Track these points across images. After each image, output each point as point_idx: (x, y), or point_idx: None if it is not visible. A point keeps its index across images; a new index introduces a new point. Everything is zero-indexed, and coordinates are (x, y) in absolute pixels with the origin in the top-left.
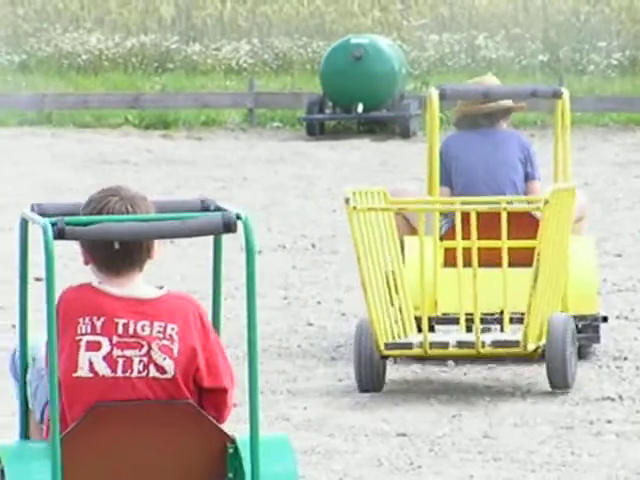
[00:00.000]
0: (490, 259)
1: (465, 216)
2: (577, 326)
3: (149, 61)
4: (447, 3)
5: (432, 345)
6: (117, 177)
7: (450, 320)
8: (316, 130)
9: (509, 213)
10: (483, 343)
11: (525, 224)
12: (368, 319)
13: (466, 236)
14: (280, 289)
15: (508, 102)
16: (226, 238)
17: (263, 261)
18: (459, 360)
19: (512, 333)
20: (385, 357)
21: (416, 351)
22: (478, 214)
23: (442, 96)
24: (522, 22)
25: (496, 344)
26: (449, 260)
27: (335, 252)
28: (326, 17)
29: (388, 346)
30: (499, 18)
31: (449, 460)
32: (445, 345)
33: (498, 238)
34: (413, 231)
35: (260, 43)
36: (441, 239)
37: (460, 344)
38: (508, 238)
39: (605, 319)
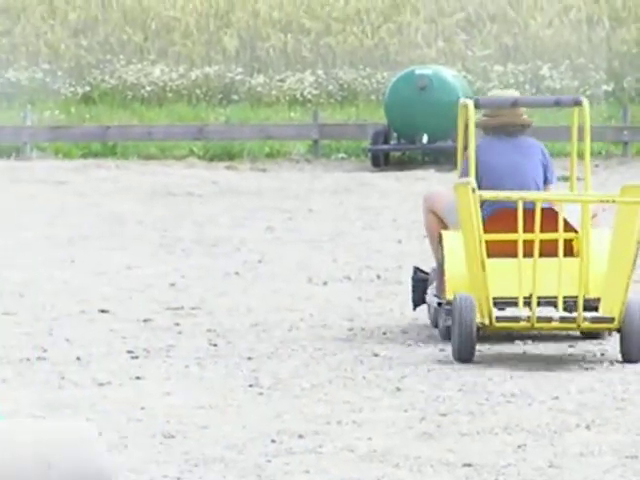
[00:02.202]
0: (525, 250)
1: (506, 211)
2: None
3: (213, 92)
4: (511, 34)
5: (538, 319)
6: (182, 209)
7: (499, 304)
8: (381, 161)
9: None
10: (584, 318)
11: (550, 219)
12: (476, 296)
13: (501, 229)
14: (345, 320)
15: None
16: (293, 270)
17: (328, 292)
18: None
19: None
20: (493, 329)
21: (523, 324)
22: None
23: (476, 105)
24: (586, 52)
25: (595, 320)
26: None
27: (400, 283)
28: (390, 48)
29: (499, 319)
30: (563, 48)
31: None
32: (549, 320)
33: (531, 231)
34: (445, 227)
35: (324, 74)
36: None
37: (563, 319)
38: (534, 231)
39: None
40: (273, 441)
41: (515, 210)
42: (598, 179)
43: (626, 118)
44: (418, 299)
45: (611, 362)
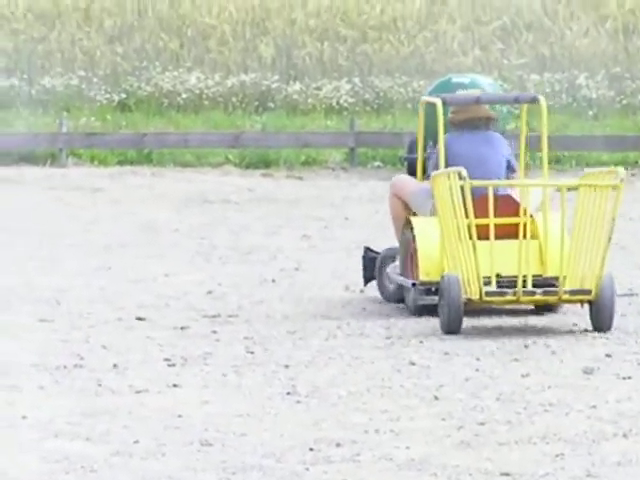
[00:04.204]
0: (485, 233)
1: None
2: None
3: (249, 100)
4: (548, 43)
5: (523, 293)
6: (218, 217)
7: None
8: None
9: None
10: (565, 292)
11: (509, 204)
12: (462, 275)
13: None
14: (383, 328)
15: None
16: (330, 278)
17: (366, 301)
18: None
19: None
20: (483, 303)
21: (509, 298)
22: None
23: (444, 103)
24: (622, 61)
25: (573, 293)
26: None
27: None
28: (426, 56)
29: (488, 294)
30: (599, 57)
31: None
32: (533, 293)
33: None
34: (409, 212)
35: (361, 82)
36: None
37: (545, 292)
38: (495, 216)
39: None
40: (311, 449)
41: (481, 197)
42: (635, 188)
43: None
44: (369, 276)
45: None
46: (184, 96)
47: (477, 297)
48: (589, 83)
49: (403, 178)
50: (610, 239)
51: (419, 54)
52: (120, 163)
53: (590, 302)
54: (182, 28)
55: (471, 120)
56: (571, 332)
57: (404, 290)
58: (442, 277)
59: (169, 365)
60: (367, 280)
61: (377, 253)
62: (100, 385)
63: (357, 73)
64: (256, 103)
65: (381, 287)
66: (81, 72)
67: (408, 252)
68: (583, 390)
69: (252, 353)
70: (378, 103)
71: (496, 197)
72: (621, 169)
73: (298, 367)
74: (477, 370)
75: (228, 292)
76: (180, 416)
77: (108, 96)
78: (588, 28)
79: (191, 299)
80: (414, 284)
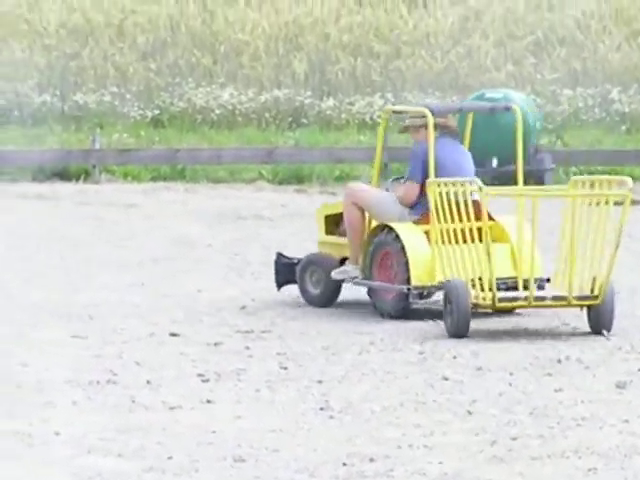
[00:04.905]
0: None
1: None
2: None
3: (283, 116)
4: (580, 57)
5: (535, 299)
6: (251, 232)
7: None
8: None
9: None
10: (574, 297)
11: (479, 210)
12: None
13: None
14: (416, 343)
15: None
16: (363, 293)
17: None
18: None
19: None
20: (496, 308)
21: (521, 303)
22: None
23: (432, 112)
24: None
25: (581, 298)
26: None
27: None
28: (460, 72)
29: (501, 300)
30: (632, 72)
31: None
32: (543, 299)
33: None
34: (364, 217)
35: (394, 98)
36: (416, 223)
37: (555, 298)
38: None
39: (548, 280)
40: (344, 464)
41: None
42: None
43: None
44: (282, 281)
45: None
46: (217, 112)
47: (489, 302)
48: (622, 97)
49: (360, 187)
50: (618, 246)
51: (452, 69)
52: (153, 179)
53: (591, 306)
54: (215, 44)
55: (446, 128)
56: (604, 347)
57: (373, 294)
58: (447, 282)
59: (202, 381)
60: (280, 285)
61: (290, 259)
62: (133, 401)
63: (390, 89)
64: (289, 119)
65: (303, 291)
66: (114, 88)
67: (378, 257)
68: (616, 404)
69: (285, 369)
70: None
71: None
72: (628, 178)
73: (331, 382)
74: (510, 385)
75: (261, 308)
76: (213, 432)
77: (141, 112)
78: (620, 43)
79: (224, 315)
80: (409, 289)
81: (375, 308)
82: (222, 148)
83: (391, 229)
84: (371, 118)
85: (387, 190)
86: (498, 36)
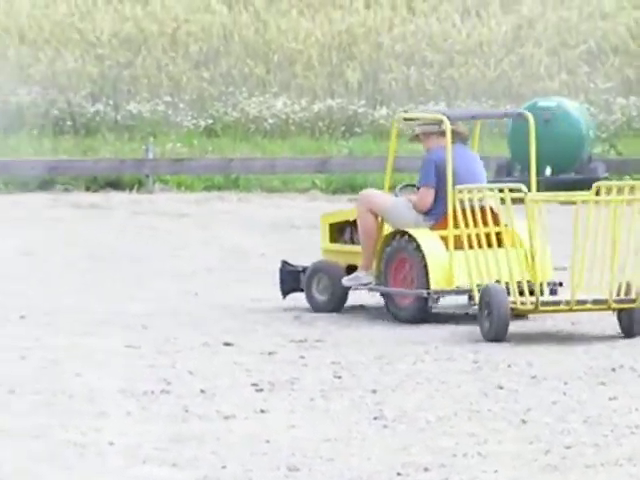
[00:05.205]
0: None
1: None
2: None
3: (336, 125)
4: (633, 66)
5: (576, 303)
6: (305, 242)
7: (462, 291)
8: None
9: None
10: (614, 301)
11: (495, 216)
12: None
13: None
14: (470, 352)
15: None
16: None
17: (453, 324)
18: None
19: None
20: (540, 312)
21: (563, 307)
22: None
23: (449, 118)
24: None
25: (620, 302)
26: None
27: (526, 316)
28: (513, 80)
29: (544, 304)
30: None
31: None
32: (584, 302)
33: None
34: (378, 224)
35: (447, 106)
36: (432, 229)
37: (595, 302)
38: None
39: (561, 284)
40: (399, 474)
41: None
42: None
43: None
44: (287, 289)
45: None
46: (270, 121)
47: (531, 307)
48: None
49: (374, 193)
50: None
51: (505, 78)
52: (207, 189)
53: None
54: (268, 53)
55: (458, 135)
56: None
57: (388, 300)
58: (486, 286)
59: (256, 390)
60: (285, 293)
61: (294, 267)
62: (187, 411)
63: (443, 97)
64: (343, 128)
65: (310, 298)
66: (167, 97)
67: (394, 263)
68: None
69: (339, 378)
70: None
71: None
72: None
73: (385, 392)
74: (564, 394)
75: (315, 317)
76: (267, 441)
77: (194, 121)
78: None
79: (278, 324)
80: (429, 293)
81: (389, 313)
82: (275, 158)
83: (407, 235)
84: None
85: (396, 196)
86: (551, 45)
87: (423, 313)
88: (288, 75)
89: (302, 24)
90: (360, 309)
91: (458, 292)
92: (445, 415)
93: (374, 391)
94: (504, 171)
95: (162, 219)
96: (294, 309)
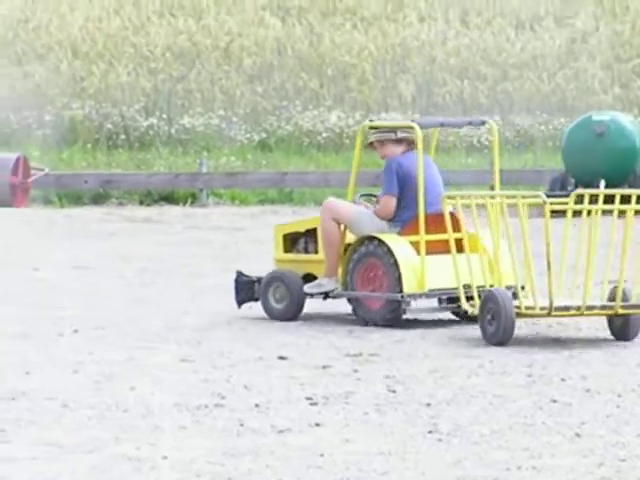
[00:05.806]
0: (434, 248)
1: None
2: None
3: None
4: None
5: (586, 308)
6: None
7: (433, 295)
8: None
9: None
10: (621, 306)
11: (456, 221)
12: (527, 289)
13: (416, 232)
14: (524, 366)
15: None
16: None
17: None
18: None
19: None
20: (550, 316)
21: (573, 312)
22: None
23: (420, 126)
24: None
25: (628, 307)
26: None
27: (579, 329)
28: (567, 94)
29: (556, 308)
30: None
31: None
32: (593, 308)
33: (437, 233)
34: (341, 231)
35: (501, 120)
36: (399, 234)
37: (603, 307)
38: (437, 232)
39: (522, 288)
40: None
41: (430, 215)
42: None
43: None
44: (242, 299)
45: None
46: (324, 135)
47: (545, 312)
48: None
49: (338, 202)
50: None
51: (559, 92)
52: (261, 202)
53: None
54: (322, 67)
55: (414, 143)
56: None
57: (356, 305)
58: (491, 290)
59: (311, 404)
60: (240, 303)
61: (249, 277)
62: (242, 425)
63: (498, 111)
64: None
65: (267, 307)
66: (221, 111)
67: (362, 269)
68: None
69: (393, 392)
70: (519, 141)
71: (437, 215)
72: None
73: (440, 405)
74: (618, 407)
75: (369, 330)
76: (322, 455)
77: (248, 135)
78: None
79: (332, 338)
80: (402, 297)
81: (357, 317)
82: (329, 171)
83: (377, 240)
84: (478, 141)
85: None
86: (605, 58)
87: (394, 316)
88: (342, 89)
89: (356, 38)
90: (414, 323)
91: (429, 295)
92: (499, 429)
93: (428, 405)
94: (558, 184)
95: (216, 233)
96: (348, 323)
